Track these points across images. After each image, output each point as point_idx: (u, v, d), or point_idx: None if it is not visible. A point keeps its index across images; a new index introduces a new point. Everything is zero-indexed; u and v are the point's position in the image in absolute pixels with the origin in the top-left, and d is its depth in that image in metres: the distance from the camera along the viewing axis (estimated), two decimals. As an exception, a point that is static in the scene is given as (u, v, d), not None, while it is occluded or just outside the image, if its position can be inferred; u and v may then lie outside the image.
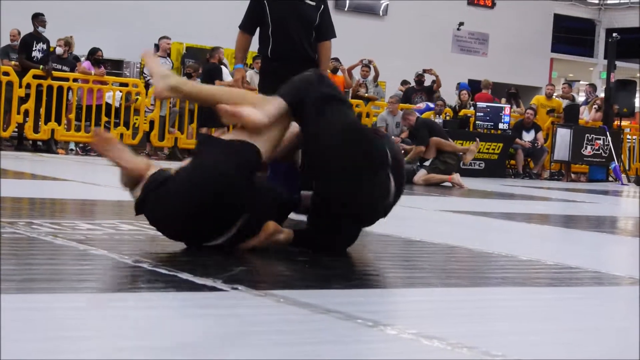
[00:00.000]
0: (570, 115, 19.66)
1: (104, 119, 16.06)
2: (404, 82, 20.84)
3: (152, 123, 16.30)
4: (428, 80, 19.95)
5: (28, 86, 15.10)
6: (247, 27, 7.12)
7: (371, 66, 19.31)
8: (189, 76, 16.46)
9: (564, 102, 20.10)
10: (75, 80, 15.82)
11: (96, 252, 4.10)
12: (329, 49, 7.15)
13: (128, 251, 4.16)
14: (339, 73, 18.38)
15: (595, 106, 20.25)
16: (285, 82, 6.92)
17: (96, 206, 6.75)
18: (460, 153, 13.83)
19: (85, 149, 15.93)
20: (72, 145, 16.00)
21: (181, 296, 3.35)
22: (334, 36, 7.20)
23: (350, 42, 23.79)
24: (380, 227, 4.84)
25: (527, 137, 18.37)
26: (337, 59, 18.36)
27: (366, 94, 18.59)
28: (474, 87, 22.82)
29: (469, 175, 15.98)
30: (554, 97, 20.47)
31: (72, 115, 15.76)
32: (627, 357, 2.91)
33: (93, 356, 2.31)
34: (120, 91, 16.40)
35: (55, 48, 16.20)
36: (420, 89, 19.51)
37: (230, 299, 3.33)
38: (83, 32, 19.41)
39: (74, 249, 4.17)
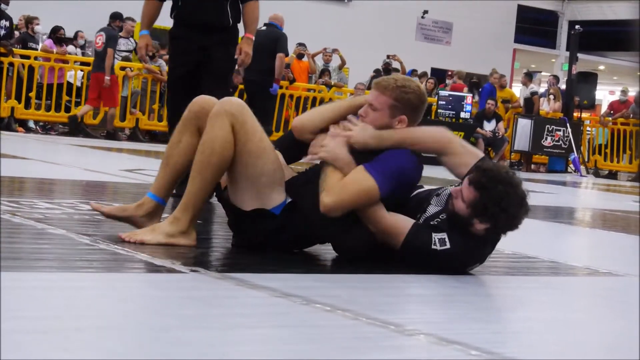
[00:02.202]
0: (528, 106, 19.79)
1: (65, 97, 15.93)
2: (377, 71, 20.82)
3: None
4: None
5: (-11, 63, 14.96)
6: None
7: (336, 55, 19.29)
8: (153, 57, 16.35)
9: (524, 93, 20.21)
10: (36, 58, 15.68)
11: (54, 231, 4.08)
12: (254, 9, 6.38)
13: (86, 231, 4.14)
14: (305, 59, 18.34)
15: (551, 96, 20.38)
16: (189, 50, 6.28)
17: (55, 185, 6.71)
18: None
19: (45, 128, 15.80)
20: (31, 123, 15.85)
21: (140, 277, 3.35)
22: None
23: (314, 28, 23.77)
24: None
25: (488, 126, 18.46)
26: (303, 45, 18.33)
27: (333, 83, 18.57)
28: (437, 75, 22.87)
29: (430, 163, 15.96)
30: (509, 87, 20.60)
31: (33, 94, 15.61)
32: (584, 346, 2.95)
33: (52, 336, 2.30)
34: (82, 70, 16.27)
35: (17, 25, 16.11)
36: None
37: (189, 281, 3.33)
38: (46, 10, 19.20)
39: (32, 227, 4.14)
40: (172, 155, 4.15)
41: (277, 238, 4.04)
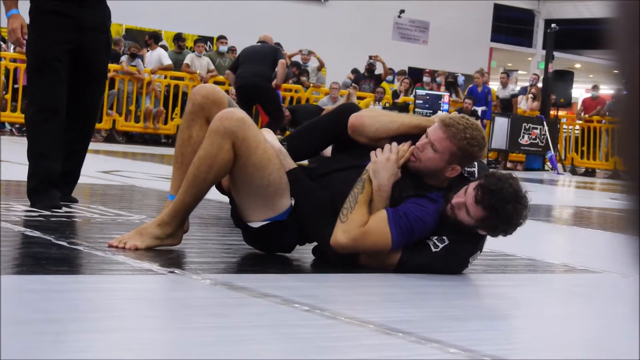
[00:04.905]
0: (506, 106, 19.85)
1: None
2: (354, 71, 20.87)
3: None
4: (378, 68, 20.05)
5: (-37, 65, 14.90)
6: None
7: (313, 56, 19.32)
8: (134, 56, 16.30)
9: (503, 93, 20.26)
10: (12, 60, 15.61)
11: (31, 234, 4.06)
12: None
13: (64, 234, 4.13)
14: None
15: (531, 95, 20.46)
16: (69, 28, 5.16)
17: (32, 188, 6.67)
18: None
19: (21, 130, 15.72)
20: (6, 126, 15.79)
21: (117, 279, 3.33)
22: None
23: (290, 28, 23.75)
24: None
25: (466, 125, 18.46)
26: (279, 44, 18.32)
27: (311, 84, 18.56)
28: (414, 74, 22.92)
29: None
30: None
31: (9, 96, 15.54)
32: (562, 343, 2.96)
33: (25, 339, 2.29)
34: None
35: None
36: (370, 76, 19.65)
37: (167, 282, 3.33)
38: (23, 12, 19.15)
39: (9, 230, 4.12)
40: (185, 153, 4.08)
41: (283, 240, 4.07)
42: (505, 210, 3.76)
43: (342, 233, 3.81)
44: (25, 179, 5.31)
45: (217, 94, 4.09)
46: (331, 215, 3.89)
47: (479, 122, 4.01)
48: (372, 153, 3.91)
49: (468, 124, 3.86)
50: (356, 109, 4.35)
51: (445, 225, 3.87)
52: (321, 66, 19.59)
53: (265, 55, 13.69)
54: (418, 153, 3.90)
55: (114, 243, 3.89)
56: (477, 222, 3.79)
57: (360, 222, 3.81)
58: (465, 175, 4.00)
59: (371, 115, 4.04)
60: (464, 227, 3.83)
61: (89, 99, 5.41)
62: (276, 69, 13.91)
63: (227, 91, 15.71)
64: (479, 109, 18.64)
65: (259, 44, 14.18)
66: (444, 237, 3.88)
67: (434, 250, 3.87)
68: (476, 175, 3.99)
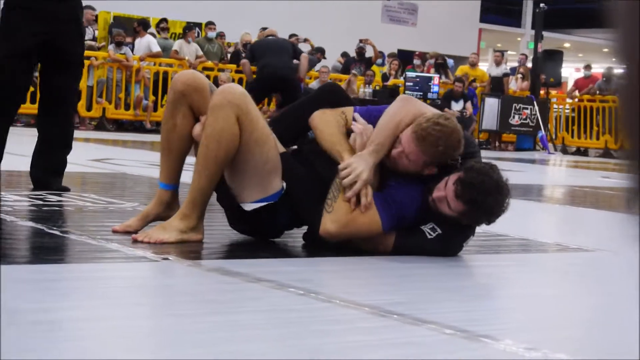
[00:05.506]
0: (496, 85, 19.87)
1: (31, 89, 15.79)
2: (344, 55, 20.85)
3: (79, 93, 16.08)
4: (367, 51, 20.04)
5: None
6: None
7: (306, 43, 19.34)
8: (119, 44, 16.24)
9: (495, 71, 20.27)
10: None
11: (23, 223, 4.05)
12: None
13: (56, 223, 4.11)
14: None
15: (520, 75, 20.46)
16: (41, 20, 5.25)
17: (23, 177, 6.66)
18: None
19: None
20: None
21: (110, 267, 3.33)
22: None
23: (280, 13, 23.71)
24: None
25: (456, 106, 18.52)
26: (267, 29, 18.29)
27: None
28: (403, 57, 22.90)
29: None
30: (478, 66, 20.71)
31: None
32: (557, 322, 2.96)
33: (19, 329, 2.28)
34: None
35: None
36: (360, 59, 19.64)
37: (161, 269, 3.32)
38: None
39: (1, 220, 4.10)
40: (172, 140, 4.03)
41: (273, 224, 4.03)
42: (487, 203, 3.75)
43: (331, 222, 3.78)
44: (17, 169, 5.30)
45: (197, 81, 4.05)
46: (323, 200, 3.88)
47: (454, 116, 3.93)
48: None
49: (442, 132, 3.74)
50: (337, 88, 4.32)
51: (432, 210, 3.86)
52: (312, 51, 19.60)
53: (285, 48, 14.14)
54: (394, 161, 3.86)
55: (139, 237, 3.78)
56: (459, 215, 3.78)
57: (347, 208, 3.79)
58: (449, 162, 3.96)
59: (322, 128, 3.96)
60: (446, 218, 3.83)
61: (64, 90, 5.50)
62: (300, 62, 14.41)
63: (216, 77, 15.73)
64: None
65: (271, 37, 14.49)
66: (436, 227, 3.87)
67: (428, 237, 3.87)
68: (459, 161, 3.95)
